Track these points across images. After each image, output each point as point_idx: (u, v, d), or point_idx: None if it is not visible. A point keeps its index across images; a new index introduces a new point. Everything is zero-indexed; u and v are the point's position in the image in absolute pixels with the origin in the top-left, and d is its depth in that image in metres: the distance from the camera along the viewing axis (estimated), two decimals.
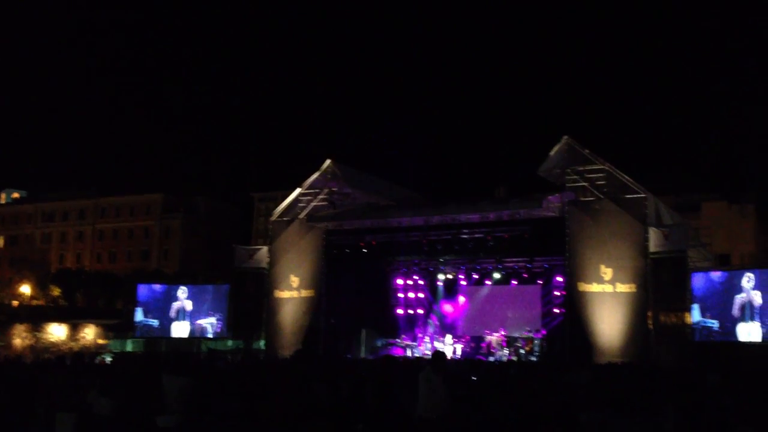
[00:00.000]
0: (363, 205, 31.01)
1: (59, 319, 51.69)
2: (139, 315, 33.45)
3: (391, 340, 31.87)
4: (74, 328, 51.17)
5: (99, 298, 65.39)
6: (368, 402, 10.12)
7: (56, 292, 66.52)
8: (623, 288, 24.89)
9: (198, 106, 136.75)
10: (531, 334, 29.81)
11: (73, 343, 49.15)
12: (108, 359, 29.72)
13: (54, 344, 48.20)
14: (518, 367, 21.92)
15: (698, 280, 25.41)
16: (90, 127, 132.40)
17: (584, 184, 26.25)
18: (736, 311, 24.28)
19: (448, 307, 33.76)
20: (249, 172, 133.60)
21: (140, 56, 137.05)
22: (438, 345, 30.62)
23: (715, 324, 24.68)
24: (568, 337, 25.79)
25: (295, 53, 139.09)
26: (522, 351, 29.18)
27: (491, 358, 28.85)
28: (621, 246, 25.15)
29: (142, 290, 34.33)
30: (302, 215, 30.79)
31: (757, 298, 23.90)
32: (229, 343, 32.86)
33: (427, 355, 29.74)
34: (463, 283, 33.23)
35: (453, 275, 33.08)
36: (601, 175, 26.00)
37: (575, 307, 25.65)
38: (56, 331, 50.39)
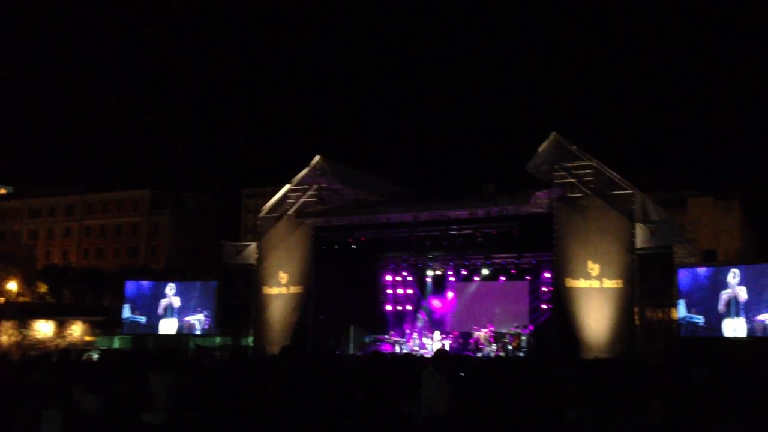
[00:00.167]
0: (352, 202, 31.02)
1: (46, 316, 51.50)
2: (126, 312, 33.35)
3: (379, 336, 31.89)
4: (61, 325, 50.99)
5: (86, 295, 65.17)
6: (357, 398, 10.13)
7: (43, 288, 66.20)
8: (610, 284, 25.02)
9: (186, 101, 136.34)
10: (519, 330, 29.89)
11: (59, 340, 48.98)
12: (95, 356, 29.62)
13: (41, 341, 48.03)
14: (506, 362, 21.98)
15: (684, 276, 25.55)
16: (77, 122, 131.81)
17: (572, 180, 26.34)
18: (721, 307, 24.43)
19: (436, 303, 33.81)
20: (237, 168, 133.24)
21: (128, 52, 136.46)
22: (426, 341, 30.67)
23: (700, 319, 24.84)
24: (556, 332, 25.90)
25: (283, 49, 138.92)
26: (510, 347, 29.26)
27: (479, 354, 28.90)
28: (608, 242, 25.27)
29: (130, 287, 34.23)
30: (291, 211, 30.77)
31: (742, 293, 24.06)
32: (217, 339, 32.80)
33: (416, 351, 29.80)
34: (452, 279, 33.29)
35: (441, 271, 33.13)
36: (588, 171, 26.11)
37: (562, 302, 25.76)
38: (43, 328, 50.19)
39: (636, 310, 24.72)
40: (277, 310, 30.37)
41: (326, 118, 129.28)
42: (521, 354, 28.89)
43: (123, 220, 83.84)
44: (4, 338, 48.10)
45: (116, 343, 36.18)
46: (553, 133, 26.38)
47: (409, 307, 34.20)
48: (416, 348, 30.29)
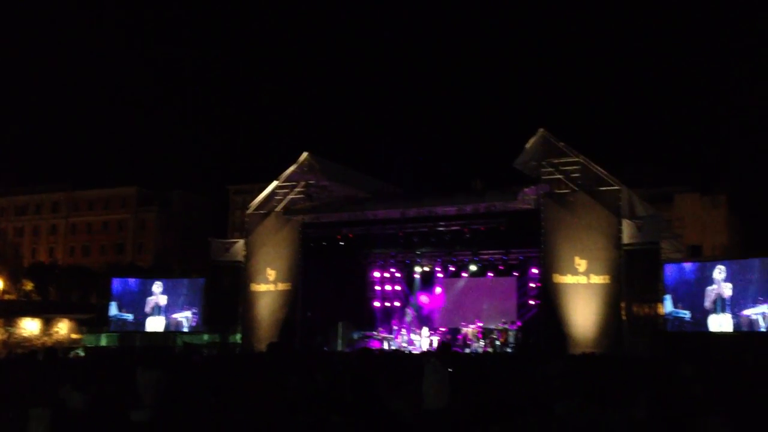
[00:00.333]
0: (340, 198, 30.98)
1: (32, 314, 51.23)
2: (113, 309, 33.20)
3: (368, 333, 31.89)
4: (47, 323, 50.75)
5: (72, 293, 64.81)
6: (345, 395, 10.15)
7: (29, 286, 65.82)
8: (597, 279, 25.10)
9: (173, 98, 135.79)
10: (506, 326, 29.95)
11: (46, 338, 48.76)
12: (82, 354, 29.52)
13: (27, 339, 47.79)
14: (494, 358, 22.05)
15: (670, 271, 25.67)
16: (63, 119, 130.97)
17: (559, 176, 26.40)
18: (707, 303, 24.56)
19: (423, 298, 33.85)
20: (225, 165, 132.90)
21: (115, 49, 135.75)
22: (414, 337, 30.72)
23: (686, 314, 24.96)
24: (543, 328, 25.97)
25: (271, 46, 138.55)
26: (497, 342, 29.33)
27: (467, 350, 28.97)
28: (595, 238, 25.35)
29: (117, 284, 34.07)
30: (279, 208, 30.70)
31: (728, 289, 24.20)
32: (205, 337, 32.69)
33: (405, 347, 29.85)
34: (440, 275, 33.32)
35: (430, 267, 33.15)
36: (575, 167, 26.17)
37: (550, 298, 25.83)
38: (29, 326, 49.95)
39: (623, 305, 24.80)
40: (264, 307, 30.32)
41: (314, 115, 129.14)
42: (509, 350, 28.96)
43: (110, 217, 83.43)
44: None
45: (103, 341, 35.98)
46: (541, 130, 26.43)
47: (397, 304, 34.21)
48: (404, 344, 30.33)
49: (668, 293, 25.31)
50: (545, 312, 26.02)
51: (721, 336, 24.11)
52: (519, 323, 30.39)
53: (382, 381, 11.33)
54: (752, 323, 23.52)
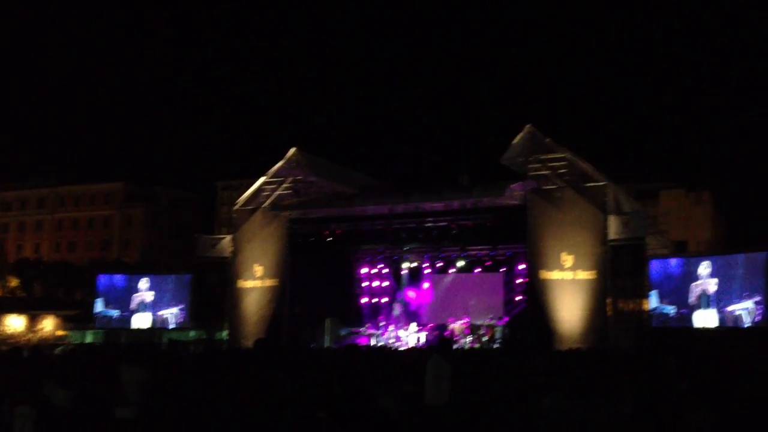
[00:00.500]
0: (327, 194, 30.94)
1: (17, 310, 50.90)
2: (99, 306, 33.07)
3: (355, 329, 31.90)
4: (32, 320, 50.43)
5: (58, 289, 64.50)
6: (333, 391, 10.13)
7: (14, 282, 65.42)
8: (583, 275, 25.19)
9: (159, 93, 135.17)
10: (493, 322, 30.04)
11: (31, 335, 48.46)
12: (67, 351, 29.35)
13: (12, 336, 47.44)
14: (481, 354, 22.09)
15: (656, 267, 25.83)
16: (48, 114, 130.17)
17: (546, 172, 26.45)
18: (692, 298, 24.72)
19: (411, 293, 33.89)
20: (212, 161, 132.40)
21: (100, 42, 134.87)
22: (402, 333, 30.74)
23: (672, 310, 25.13)
24: (530, 324, 26.05)
25: (258, 42, 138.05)
26: (485, 338, 29.40)
27: (455, 346, 29.01)
28: (581, 233, 25.44)
29: (103, 280, 33.94)
30: (266, 204, 30.60)
31: (712, 285, 24.36)
32: (192, 333, 32.58)
33: (392, 343, 29.86)
34: (427, 271, 33.37)
35: (417, 263, 33.21)
36: (562, 163, 26.24)
37: (537, 294, 25.90)
38: (14, 323, 49.61)
39: (609, 301, 24.92)
40: (252, 303, 30.24)
41: (301, 110, 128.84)
42: (496, 345, 29.05)
43: (95, 213, 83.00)
44: None
45: (89, 338, 35.85)
46: (528, 126, 26.48)
47: (384, 300, 34.24)
48: (392, 340, 30.34)
49: (654, 289, 25.46)
50: (532, 308, 26.10)
51: (706, 332, 24.27)
52: (506, 319, 30.49)
53: (370, 377, 11.32)
54: (737, 319, 23.68)
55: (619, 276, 25.11)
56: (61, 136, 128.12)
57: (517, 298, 30.54)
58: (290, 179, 30.57)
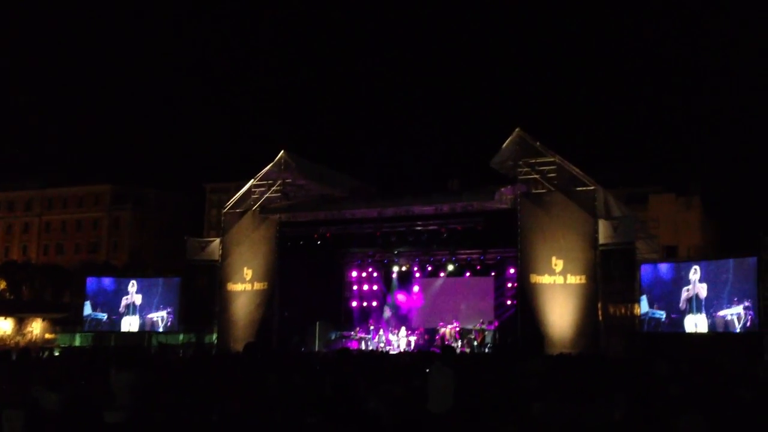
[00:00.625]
0: (317, 197, 30.91)
1: (5, 313, 50.65)
2: (87, 309, 32.88)
3: (345, 333, 31.89)
4: (20, 322, 50.21)
5: (46, 292, 64.12)
6: (325, 395, 10.09)
7: (1, 285, 65.03)
8: (574, 279, 25.24)
9: (148, 94, 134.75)
10: (484, 326, 30.05)
11: (19, 338, 48.24)
12: (56, 354, 29.18)
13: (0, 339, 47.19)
14: (471, 358, 22.08)
15: (646, 272, 25.86)
16: (36, 115, 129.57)
17: (536, 176, 26.53)
18: (683, 303, 24.76)
19: (401, 297, 33.87)
20: (201, 163, 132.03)
21: (88, 42, 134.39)
22: (392, 338, 30.73)
23: (662, 315, 25.16)
24: (520, 328, 26.06)
25: (248, 44, 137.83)
26: (475, 343, 29.41)
27: None
28: (571, 238, 25.49)
29: (91, 283, 33.74)
30: (255, 207, 30.56)
31: (703, 290, 24.40)
32: (181, 337, 32.46)
33: (382, 347, 29.83)
34: (417, 275, 33.36)
35: (407, 267, 33.20)
36: (552, 167, 26.33)
37: (527, 298, 25.93)
38: (2, 326, 49.37)
39: (599, 305, 24.97)
40: (241, 306, 30.16)
41: (291, 113, 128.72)
42: (486, 350, 29.05)
43: (84, 215, 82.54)
44: None
45: (77, 341, 35.62)
46: (517, 130, 26.54)
47: (374, 304, 34.22)
48: (382, 345, 30.31)
49: (644, 294, 25.50)
50: (522, 312, 26.12)
51: (697, 337, 24.31)
52: (496, 323, 30.51)
53: (361, 381, 11.29)
54: (727, 324, 23.72)
55: (609, 280, 25.16)
56: (48, 138, 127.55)
57: (507, 303, 30.56)
58: (280, 182, 30.55)
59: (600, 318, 24.91)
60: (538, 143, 26.44)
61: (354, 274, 34.23)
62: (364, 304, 34.30)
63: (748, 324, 23.22)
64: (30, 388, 10.45)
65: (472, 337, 29.80)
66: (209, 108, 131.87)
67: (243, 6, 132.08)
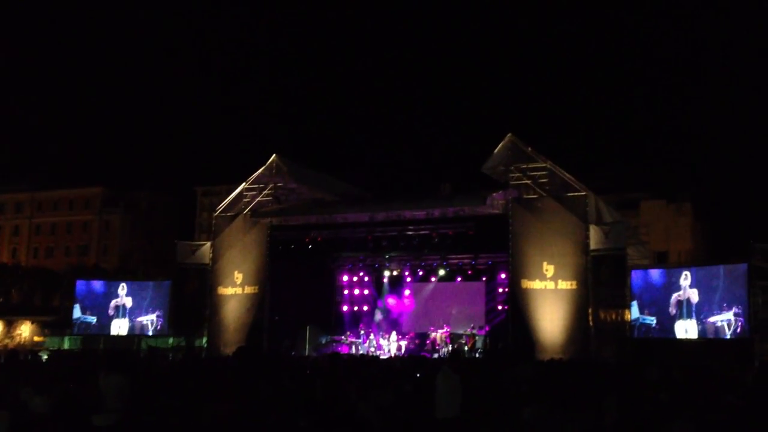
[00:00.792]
0: (308, 201, 30.85)
1: None
2: (77, 312, 32.74)
3: (336, 337, 31.83)
4: (9, 325, 49.95)
5: (35, 295, 63.78)
6: (316, 400, 10.05)
7: None
8: (565, 285, 25.26)
9: (139, 97, 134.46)
10: (474, 331, 30.05)
11: (8, 340, 47.99)
12: (44, 357, 29.05)
13: None
14: (462, 363, 22.02)
15: (637, 278, 25.92)
16: (26, 117, 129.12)
17: (527, 181, 26.55)
18: (673, 309, 24.82)
19: (391, 301, 33.84)
20: (192, 166, 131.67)
21: (79, 45, 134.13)
22: (383, 342, 30.69)
23: (653, 321, 25.21)
24: (511, 333, 26.07)
25: (240, 48, 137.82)
26: (466, 348, 29.39)
27: (436, 355, 28.99)
28: (563, 243, 25.52)
29: (81, 286, 33.61)
30: (247, 210, 30.50)
31: (693, 295, 24.46)
32: (170, 340, 32.36)
33: (372, 352, 29.78)
34: (409, 279, 33.35)
35: (398, 272, 33.18)
36: (543, 173, 26.36)
37: (518, 303, 25.93)
38: None
39: (590, 311, 24.99)
40: (231, 310, 30.08)
41: (283, 117, 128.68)
42: (477, 355, 29.04)
43: (74, 218, 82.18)
44: None
45: (66, 344, 35.48)
46: (509, 135, 26.57)
47: (365, 308, 34.19)
48: (372, 349, 30.26)
49: (635, 299, 25.55)
50: (513, 317, 26.12)
51: (687, 343, 24.36)
52: (487, 328, 30.52)
53: (351, 386, 11.26)
54: (718, 330, 23.78)
55: (600, 286, 25.21)
56: (39, 140, 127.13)
57: (498, 308, 30.56)
58: (271, 186, 30.50)
59: (591, 323, 24.93)
60: (529, 149, 26.49)
61: (345, 278, 34.19)
62: (355, 308, 34.27)
63: (739, 330, 23.29)
64: (18, 391, 10.38)
65: (463, 342, 29.77)
66: (201, 111, 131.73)
67: (236, 10, 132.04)
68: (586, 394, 11.37)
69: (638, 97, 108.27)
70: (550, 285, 25.42)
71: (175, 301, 31.72)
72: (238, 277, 30.21)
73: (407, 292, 33.79)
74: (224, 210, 31.23)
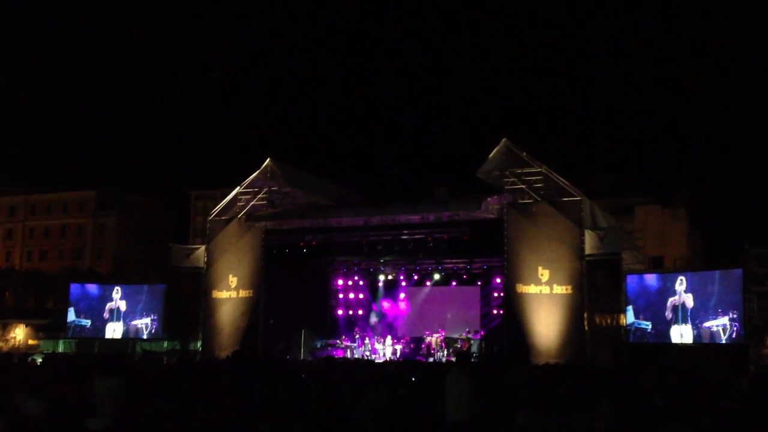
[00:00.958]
0: (303, 205, 30.82)
1: None
2: (71, 315, 32.65)
3: (330, 341, 31.79)
4: (3, 328, 49.81)
5: (29, 298, 63.60)
6: (310, 403, 10.03)
7: None
8: (560, 289, 25.28)
9: (134, 100, 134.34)
10: (470, 336, 30.04)
11: (2, 344, 47.86)
12: (38, 360, 28.96)
13: None
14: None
15: (632, 282, 25.95)
16: (20, 120, 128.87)
17: (522, 186, 26.58)
18: (668, 313, 24.86)
19: (386, 304, 33.82)
20: (186, 170, 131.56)
21: (73, 48, 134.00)
22: (378, 346, 30.67)
23: (648, 325, 25.24)
24: (507, 337, 26.07)
25: (234, 51, 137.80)
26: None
27: (431, 359, 28.98)
28: (558, 248, 25.54)
29: (75, 290, 33.53)
30: (241, 214, 30.47)
31: (688, 300, 24.51)
32: (165, 344, 32.30)
33: (368, 356, 29.76)
34: (404, 283, 33.33)
35: (393, 276, 33.16)
36: (538, 177, 26.40)
37: (513, 308, 25.94)
38: None
39: (585, 316, 25.01)
40: (226, 314, 30.03)
41: (277, 121, 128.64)
42: (472, 359, 29.00)
43: (68, 221, 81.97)
44: None
45: (61, 347, 35.39)
46: (504, 139, 26.59)
47: (360, 312, 34.16)
48: (367, 353, 30.23)
49: (630, 304, 25.57)
50: (508, 321, 26.13)
51: (682, 347, 24.40)
52: (482, 332, 30.51)
53: (346, 390, 11.24)
54: (713, 335, 23.83)
55: (595, 291, 25.24)
56: (33, 143, 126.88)
57: (493, 312, 30.55)
58: (265, 189, 30.48)
59: (586, 328, 24.96)
60: (524, 153, 26.51)
61: (340, 282, 34.17)
62: (350, 312, 34.25)
63: (734, 335, 23.34)
64: (12, 395, 10.32)
65: (458, 346, 29.76)
66: (195, 115, 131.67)
67: (231, 13, 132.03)
68: (582, 398, 11.37)
69: (634, 102, 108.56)
70: (545, 289, 25.44)
71: (170, 304, 31.66)
72: (233, 280, 30.17)
73: (402, 296, 33.78)
74: (219, 214, 31.20)
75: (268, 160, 30.22)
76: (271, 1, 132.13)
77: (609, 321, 25.50)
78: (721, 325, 23.63)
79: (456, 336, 30.43)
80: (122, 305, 32.29)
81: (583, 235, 25.38)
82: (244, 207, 30.59)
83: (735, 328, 23.27)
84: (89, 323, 32.48)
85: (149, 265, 67.64)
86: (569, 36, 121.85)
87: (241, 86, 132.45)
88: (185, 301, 31.48)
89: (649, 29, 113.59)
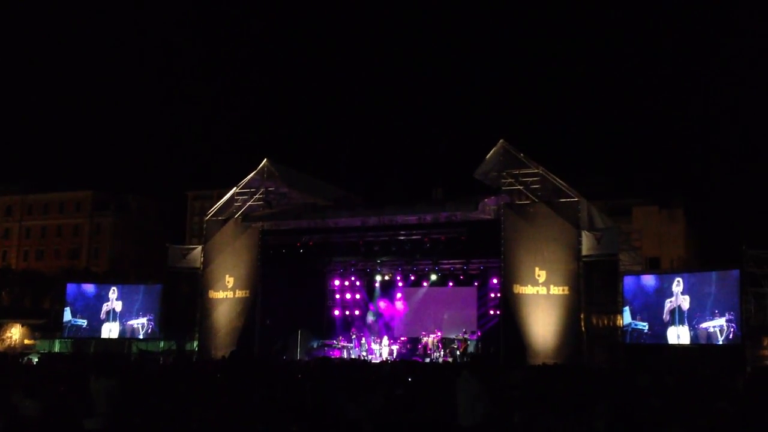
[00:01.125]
0: (299, 205, 30.81)
1: None
2: (67, 315, 32.58)
3: (327, 342, 31.77)
4: None
5: (25, 298, 63.47)
6: (305, 403, 10.02)
7: None
8: (557, 290, 25.29)
9: (130, 100, 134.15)
10: (466, 336, 30.03)
11: None
12: (35, 360, 28.91)
13: None
14: (453, 368, 22.02)
15: (629, 283, 25.95)
16: (17, 120, 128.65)
17: (519, 187, 26.59)
18: (665, 315, 24.86)
19: (382, 304, 33.80)
20: (183, 170, 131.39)
21: (69, 47, 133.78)
22: (375, 347, 30.68)
23: (645, 326, 25.23)
24: (503, 338, 26.07)
25: (230, 51, 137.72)
26: (457, 352, 29.38)
27: (427, 360, 28.98)
28: (555, 249, 25.55)
29: (71, 290, 33.44)
30: (238, 215, 30.44)
31: (685, 302, 24.51)
32: (161, 344, 32.24)
33: (364, 356, 29.75)
34: (400, 284, 33.31)
35: (390, 276, 33.13)
36: (535, 178, 26.41)
37: (510, 308, 25.94)
38: None
39: (582, 316, 25.01)
40: (222, 314, 30.00)
41: (274, 121, 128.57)
42: (469, 360, 28.99)
43: (64, 221, 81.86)
44: None
45: (57, 347, 35.29)
46: (501, 140, 26.58)
47: (357, 312, 34.14)
48: (364, 353, 30.23)
49: (627, 305, 25.58)
50: (505, 322, 26.13)
51: (679, 348, 24.40)
52: (479, 333, 30.51)
53: (342, 390, 11.23)
54: (710, 336, 23.83)
55: (592, 292, 25.24)
56: (29, 143, 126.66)
57: (490, 313, 30.55)
58: (262, 190, 30.44)
59: (583, 329, 24.96)
60: (522, 154, 26.51)
61: (337, 282, 34.15)
62: (347, 312, 34.22)
63: (731, 336, 23.34)
64: (8, 395, 10.31)
65: (455, 346, 29.77)
66: (192, 115, 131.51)
67: (225, 14, 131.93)
68: (578, 399, 11.38)
69: (631, 103, 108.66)
70: (542, 290, 25.46)
71: (166, 304, 31.59)
72: (230, 281, 30.14)
73: (399, 296, 33.76)
74: (215, 214, 31.17)
75: (264, 160, 30.18)
76: (271, 1, 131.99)
77: (606, 322, 25.49)
78: (717, 326, 23.63)
79: (453, 336, 30.43)
80: (118, 305, 32.23)
81: (580, 236, 25.39)
82: (240, 207, 30.56)
83: (732, 330, 23.28)
84: (85, 323, 32.40)
85: (146, 265, 67.52)
86: (567, 37, 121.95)
87: (238, 86, 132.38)
88: (182, 302, 31.41)
89: (647, 30, 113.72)
